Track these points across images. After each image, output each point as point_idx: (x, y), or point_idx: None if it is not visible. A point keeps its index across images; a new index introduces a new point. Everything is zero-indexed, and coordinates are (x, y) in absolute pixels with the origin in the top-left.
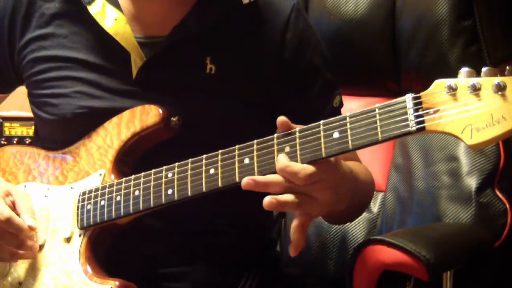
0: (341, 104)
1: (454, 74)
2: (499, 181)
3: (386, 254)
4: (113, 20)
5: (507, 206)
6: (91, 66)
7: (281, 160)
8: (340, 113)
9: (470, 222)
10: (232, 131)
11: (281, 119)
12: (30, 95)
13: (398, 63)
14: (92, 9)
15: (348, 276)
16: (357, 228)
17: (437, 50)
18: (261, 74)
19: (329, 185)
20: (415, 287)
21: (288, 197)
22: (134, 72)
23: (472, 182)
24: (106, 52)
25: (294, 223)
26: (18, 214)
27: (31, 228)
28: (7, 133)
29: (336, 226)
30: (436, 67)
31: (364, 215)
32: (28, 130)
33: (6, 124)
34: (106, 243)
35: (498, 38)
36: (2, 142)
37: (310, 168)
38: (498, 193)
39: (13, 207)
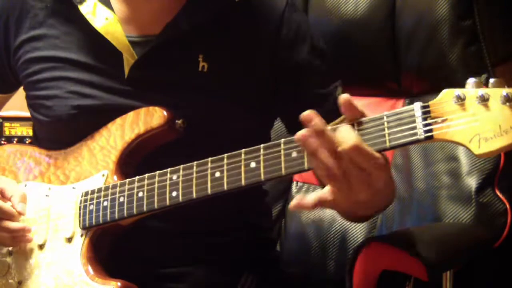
0: None
1: (454, 74)
2: (499, 181)
3: (386, 254)
4: (104, 20)
5: (507, 206)
6: (84, 66)
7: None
8: None
9: (470, 222)
10: (227, 129)
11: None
12: (27, 97)
13: (398, 63)
14: (83, 9)
15: (348, 276)
16: (357, 228)
17: (437, 50)
18: (255, 72)
19: (373, 185)
20: (415, 287)
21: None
22: (126, 71)
23: (472, 182)
24: (98, 52)
25: (313, 197)
26: (8, 199)
27: (20, 213)
28: (7, 133)
29: (336, 226)
30: (436, 67)
31: None
32: (28, 130)
33: (6, 124)
34: (108, 243)
35: (499, 38)
36: (2, 142)
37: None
38: (498, 193)
39: (1, 196)
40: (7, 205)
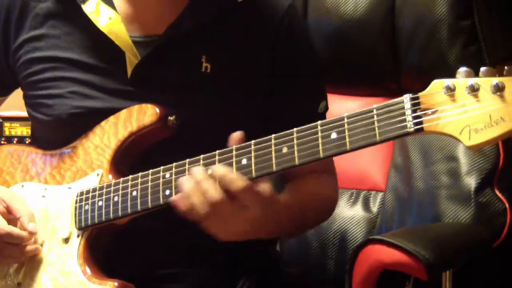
0: (326, 109)
1: (454, 74)
2: (499, 180)
3: (385, 254)
4: (107, 19)
5: (506, 205)
6: (86, 66)
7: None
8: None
9: (470, 222)
10: (228, 129)
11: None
12: (26, 97)
13: (398, 63)
14: (86, 8)
15: (347, 276)
16: (356, 228)
17: (437, 50)
18: (256, 73)
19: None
20: (414, 286)
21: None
22: (129, 71)
23: (471, 182)
24: (100, 52)
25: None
26: (17, 219)
27: (32, 233)
28: (7, 133)
29: (336, 226)
30: (436, 67)
31: (364, 214)
32: (28, 130)
33: (6, 124)
34: (105, 243)
35: (498, 38)
36: (2, 142)
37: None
38: (497, 192)
39: (7, 213)
40: (16, 230)
